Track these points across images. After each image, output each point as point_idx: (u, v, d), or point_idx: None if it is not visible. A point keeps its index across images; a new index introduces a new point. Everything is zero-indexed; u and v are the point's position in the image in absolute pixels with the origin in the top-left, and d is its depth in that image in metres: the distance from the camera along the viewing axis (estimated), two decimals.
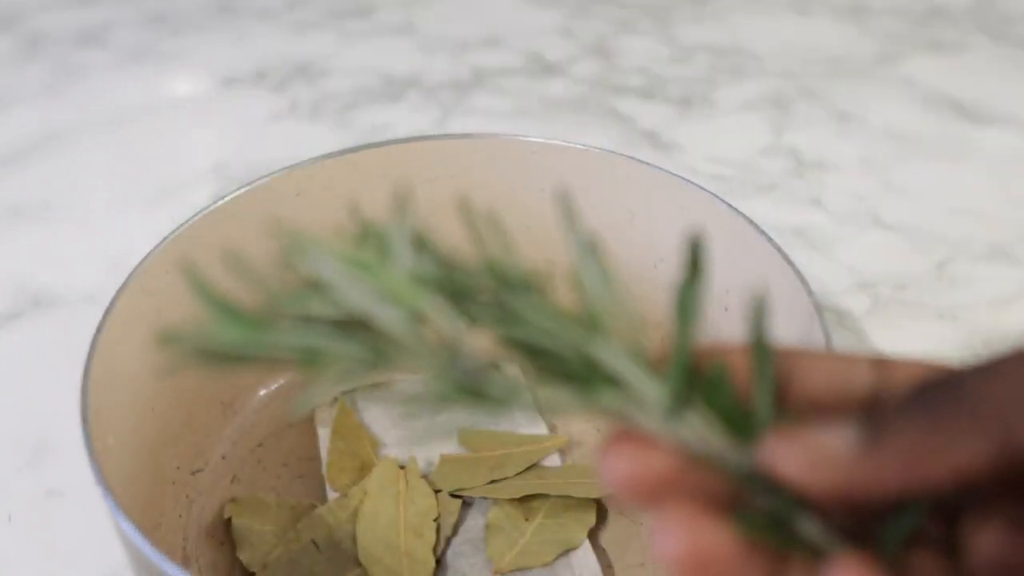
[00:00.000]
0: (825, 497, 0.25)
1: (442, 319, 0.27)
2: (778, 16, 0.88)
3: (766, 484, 0.27)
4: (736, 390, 0.27)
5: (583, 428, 0.56)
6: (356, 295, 0.27)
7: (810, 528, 0.27)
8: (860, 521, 0.28)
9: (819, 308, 0.44)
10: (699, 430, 0.27)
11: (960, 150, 0.74)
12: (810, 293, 0.45)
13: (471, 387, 0.28)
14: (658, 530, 0.25)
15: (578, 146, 0.55)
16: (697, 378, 0.27)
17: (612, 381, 0.27)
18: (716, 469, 0.27)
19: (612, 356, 0.27)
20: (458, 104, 0.80)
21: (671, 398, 0.27)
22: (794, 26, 0.87)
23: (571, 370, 0.27)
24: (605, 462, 0.27)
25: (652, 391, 0.27)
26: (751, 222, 0.50)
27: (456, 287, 0.28)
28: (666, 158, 0.74)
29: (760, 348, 0.27)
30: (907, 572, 0.27)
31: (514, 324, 0.28)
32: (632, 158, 0.55)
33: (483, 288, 0.28)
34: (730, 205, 0.50)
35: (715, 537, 0.25)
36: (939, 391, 0.25)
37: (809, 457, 0.25)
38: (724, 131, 0.77)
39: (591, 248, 0.28)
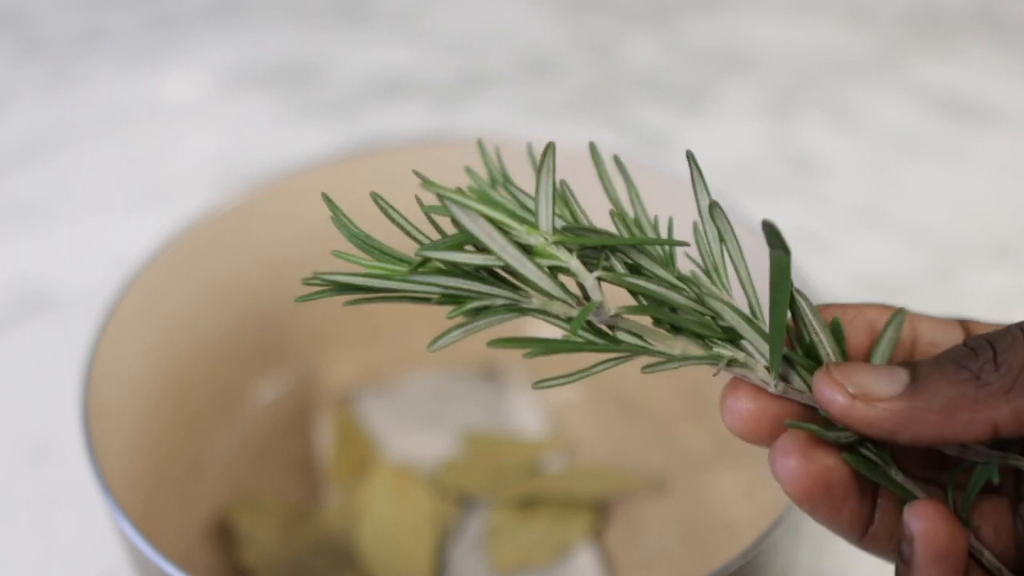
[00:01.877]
0: (865, 434, 0.28)
1: (577, 272, 0.29)
2: (779, 16, 0.88)
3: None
4: (845, 345, 0.30)
5: (584, 431, 0.56)
6: (501, 249, 0.28)
7: (895, 472, 0.29)
8: (938, 470, 0.31)
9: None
10: (803, 383, 0.29)
11: (961, 150, 0.74)
12: (810, 293, 0.45)
13: (603, 334, 0.30)
14: (777, 456, 0.28)
15: (578, 147, 0.55)
16: (808, 335, 0.30)
17: (730, 334, 0.30)
18: (818, 416, 0.29)
19: (729, 312, 0.30)
20: (459, 104, 0.80)
21: (772, 353, 0.29)
22: (795, 27, 0.87)
23: (693, 323, 0.30)
24: (727, 401, 0.30)
25: (762, 346, 0.30)
26: (752, 223, 0.50)
27: (590, 243, 0.30)
28: (666, 158, 0.74)
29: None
30: (977, 520, 0.29)
31: (643, 278, 0.30)
32: (632, 158, 0.55)
33: (614, 244, 0.30)
34: (730, 206, 0.50)
35: (827, 463, 0.28)
36: (977, 352, 0.27)
37: (853, 393, 0.27)
38: (724, 131, 0.77)
39: (716, 210, 0.31)
